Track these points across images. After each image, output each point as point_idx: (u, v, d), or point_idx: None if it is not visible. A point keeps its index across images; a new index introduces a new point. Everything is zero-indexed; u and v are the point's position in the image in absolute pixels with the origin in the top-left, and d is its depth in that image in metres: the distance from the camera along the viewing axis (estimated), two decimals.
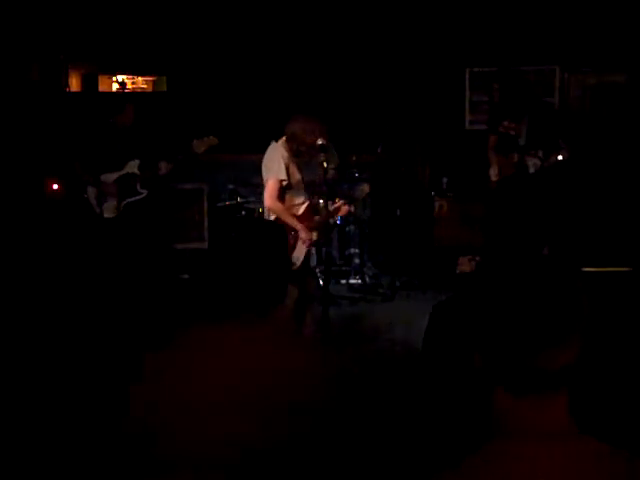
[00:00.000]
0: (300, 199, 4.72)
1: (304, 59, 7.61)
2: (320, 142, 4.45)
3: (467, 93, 7.77)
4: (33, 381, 4.26)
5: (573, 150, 5.74)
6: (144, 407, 1.74)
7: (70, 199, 6.13)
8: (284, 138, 4.62)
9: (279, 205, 4.63)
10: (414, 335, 4.54)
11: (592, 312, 1.17)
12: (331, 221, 5.24)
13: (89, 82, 7.66)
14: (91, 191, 5.80)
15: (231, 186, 7.00)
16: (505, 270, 1.19)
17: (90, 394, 4.00)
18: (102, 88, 7.61)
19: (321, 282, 5.48)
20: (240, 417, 1.68)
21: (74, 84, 7.62)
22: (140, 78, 7.83)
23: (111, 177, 5.80)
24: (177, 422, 1.70)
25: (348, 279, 6.99)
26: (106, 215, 5.79)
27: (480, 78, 7.68)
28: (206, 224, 6.87)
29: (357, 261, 7.04)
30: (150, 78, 7.90)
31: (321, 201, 4.68)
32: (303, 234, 4.63)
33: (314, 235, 4.73)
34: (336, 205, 4.91)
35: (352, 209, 5.81)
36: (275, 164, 4.59)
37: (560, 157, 5.58)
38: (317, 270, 5.59)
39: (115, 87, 7.63)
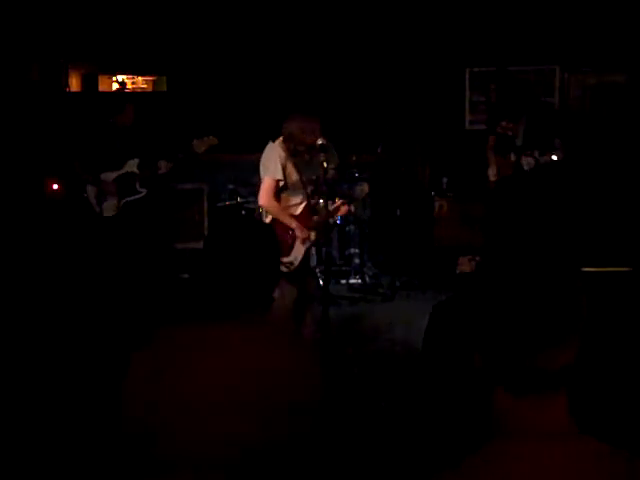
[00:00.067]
0: (298, 199, 4.72)
1: (304, 59, 7.61)
2: (320, 142, 4.44)
3: (467, 93, 7.77)
4: (32, 379, 4.26)
5: (571, 149, 5.74)
6: (144, 407, 1.74)
7: (70, 199, 6.13)
8: (281, 138, 4.62)
9: (274, 204, 4.64)
10: (414, 335, 4.54)
11: (592, 312, 1.17)
12: (331, 221, 5.24)
13: (89, 82, 7.66)
14: (90, 190, 5.80)
15: (231, 186, 7.00)
16: (505, 270, 1.19)
17: (89, 393, 4.00)
18: (102, 88, 7.62)
19: (321, 282, 5.48)
20: (240, 417, 1.68)
21: (74, 84, 7.62)
22: (140, 78, 7.83)
23: (111, 176, 5.80)
24: (177, 422, 1.70)
25: (348, 279, 6.99)
26: (106, 214, 5.80)
27: (480, 78, 7.68)
28: (206, 224, 6.87)
29: (357, 261, 7.04)
30: (150, 78, 7.90)
31: (321, 201, 4.68)
32: (299, 233, 4.63)
33: (312, 235, 4.73)
34: (335, 205, 4.91)
35: (352, 209, 5.81)
36: (272, 164, 4.59)
37: (554, 157, 5.58)
38: (317, 270, 5.59)
39: (115, 87, 7.63)
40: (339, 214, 5.20)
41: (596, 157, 6.68)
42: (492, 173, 6.15)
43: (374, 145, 6.95)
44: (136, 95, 7.39)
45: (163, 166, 5.80)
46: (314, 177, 4.72)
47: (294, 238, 4.65)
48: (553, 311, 1.13)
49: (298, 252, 4.69)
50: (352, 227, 7.04)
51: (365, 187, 6.15)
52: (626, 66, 7.04)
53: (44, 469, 3.44)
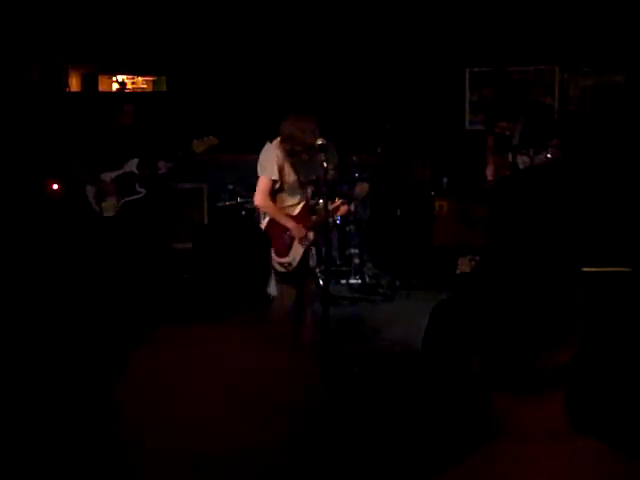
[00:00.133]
0: (295, 199, 4.72)
1: (304, 59, 7.61)
2: (320, 142, 4.44)
3: (467, 93, 7.77)
4: (31, 379, 4.26)
5: (571, 149, 5.74)
6: (144, 407, 1.74)
7: (70, 199, 6.13)
8: (279, 138, 4.62)
9: (270, 204, 4.64)
10: (414, 335, 4.54)
11: (592, 312, 1.17)
12: (331, 221, 5.24)
13: (89, 82, 7.66)
14: (90, 190, 5.80)
15: (231, 186, 7.00)
16: (505, 270, 1.19)
17: (86, 392, 4.00)
18: (102, 88, 7.62)
19: (321, 282, 5.47)
20: (240, 417, 1.68)
21: (74, 84, 7.62)
22: (140, 78, 7.83)
23: (110, 176, 5.80)
24: (177, 422, 1.70)
25: (348, 279, 6.99)
26: (105, 214, 5.80)
27: (480, 78, 7.68)
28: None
29: (357, 261, 7.04)
30: (150, 78, 7.90)
31: (321, 201, 4.68)
32: (295, 233, 4.63)
33: (311, 235, 4.72)
34: (335, 205, 4.91)
35: (352, 209, 5.81)
36: (268, 164, 4.60)
37: (549, 155, 5.59)
38: (317, 270, 5.59)
39: (115, 87, 7.63)
40: (339, 214, 5.20)
41: (596, 157, 6.68)
42: (490, 173, 6.17)
43: (374, 145, 6.95)
44: (136, 95, 7.39)
45: (163, 166, 5.80)
46: (314, 177, 4.72)
47: (292, 238, 4.65)
48: (553, 311, 1.13)
49: (296, 252, 4.69)
50: (352, 227, 7.04)
51: (365, 187, 6.14)
52: (626, 66, 7.04)
53: (41, 469, 3.44)
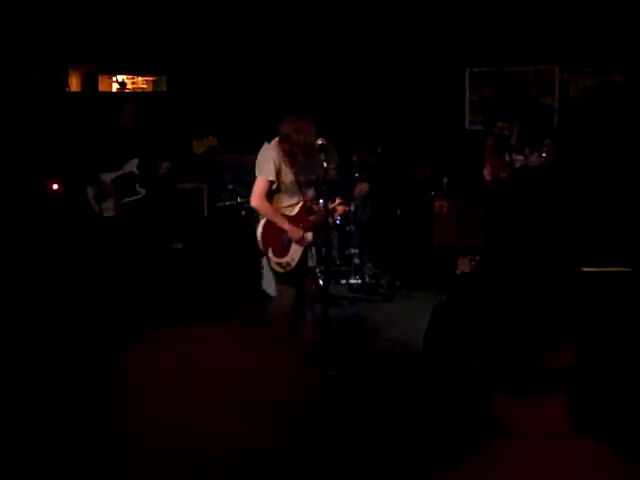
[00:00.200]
0: (294, 200, 4.72)
1: (304, 59, 7.62)
2: (320, 142, 4.44)
3: (467, 93, 7.78)
4: (30, 378, 4.26)
5: (570, 149, 5.74)
6: (144, 407, 1.74)
7: (70, 199, 6.13)
8: (277, 139, 4.62)
9: (266, 205, 4.64)
10: (414, 335, 4.54)
11: (592, 312, 1.17)
12: (331, 221, 5.24)
13: (89, 82, 7.66)
14: (90, 190, 5.80)
15: (231, 186, 7.00)
16: (505, 270, 1.19)
17: (88, 392, 4.00)
18: (102, 88, 7.62)
19: (321, 282, 5.48)
20: (240, 417, 1.68)
21: (74, 84, 7.62)
22: (140, 78, 7.83)
23: (110, 176, 5.80)
24: (177, 422, 1.70)
25: (348, 279, 6.99)
26: (105, 214, 5.80)
27: (480, 78, 7.68)
28: None
29: (357, 261, 7.04)
30: (150, 78, 7.90)
31: (321, 201, 4.68)
32: (292, 234, 4.63)
33: (309, 235, 4.72)
34: (333, 205, 4.92)
35: (351, 208, 5.80)
36: (265, 165, 4.60)
37: (544, 154, 5.59)
38: (317, 270, 5.59)
39: (115, 87, 7.63)
40: (337, 214, 5.20)
41: (596, 157, 6.68)
42: (487, 173, 6.18)
43: (374, 145, 6.95)
44: (136, 95, 7.39)
45: (163, 166, 5.81)
46: (313, 177, 4.72)
47: (290, 239, 4.65)
48: (553, 311, 1.13)
49: (295, 253, 4.69)
50: (352, 227, 7.04)
51: (365, 187, 6.15)
52: (626, 66, 7.04)
53: (41, 469, 3.44)
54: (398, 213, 7.34)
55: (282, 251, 4.66)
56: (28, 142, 6.66)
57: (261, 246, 4.58)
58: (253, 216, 6.36)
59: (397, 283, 6.81)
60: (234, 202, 6.90)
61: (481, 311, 1.18)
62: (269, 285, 4.69)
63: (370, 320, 6.02)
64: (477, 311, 1.19)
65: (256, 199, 4.66)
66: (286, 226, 4.62)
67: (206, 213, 6.94)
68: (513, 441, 1.14)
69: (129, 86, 7.63)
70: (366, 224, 7.23)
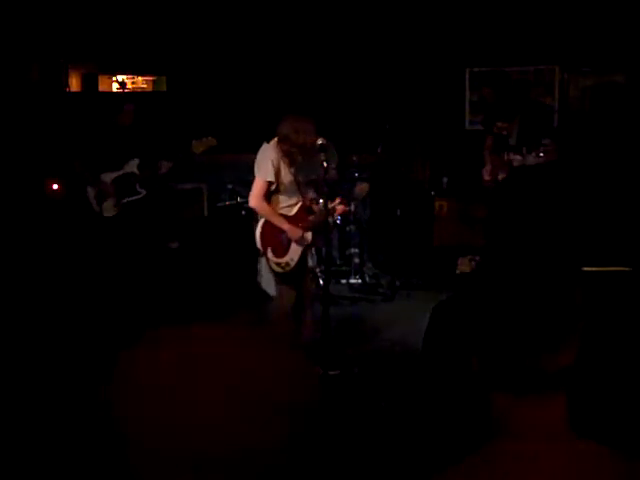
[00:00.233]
0: (293, 200, 4.72)
1: (304, 59, 7.61)
2: (320, 142, 4.44)
3: (467, 93, 7.78)
4: (34, 381, 4.26)
5: (569, 149, 5.74)
6: (144, 407, 1.74)
7: (70, 199, 6.13)
8: (276, 139, 4.62)
9: (264, 205, 4.64)
10: (414, 335, 4.54)
11: (592, 312, 1.17)
12: (331, 221, 5.24)
13: (89, 82, 7.66)
14: (90, 190, 5.80)
15: (231, 186, 7.00)
16: (505, 270, 1.19)
17: (88, 392, 4.00)
18: (102, 88, 7.62)
19: (321, 282, 5.48)
20: (240, 417, 1.68)
21: (74, 84, 7.62)
22: (140, 78, 7.83)
23: (110, 176, 5.81)
24: (177, 422, 1.70)
25: (348, 279, 6.99)
26: (105, 214, 5.80)
27: (480, 78, 7.68)
28: None
29: (357, 261, 7.04)
30: (150, 78, 7.90)
31: (321, 201, 4.68)
32: (291, 235, 4.63)
33: (308, 235, 4.72)
34: (333, 204, 4.92)
35: (351, 208, 5.80)
36: (264, 165, 4.60)
37: (541, 154, 5.60)
38: (317, 270, 5.59)
39: (115, 87, 7.63)
40: (337, 214, 5.20)
41: (596, 157, 6.68)
42: (486, 172, 6.18)
43: (374, 145, 6.95)
44: (136, 95, 7.39)
45: (163, 166, 5.81)
46: (313, 177, 4.72)
47: (289, 239, 4.65)
48: (553, 311, 1.13)
49: (294, 253, 4.69)
50: (352, 227, 7.04)
51: (365, 187, 6.14)
52: (626, 66, 7.04)
53: (41, 469, 3.44)
54: (398, 213, 7.34)
55: (281, 251, 4.66)
56: (28, 142, 6.66)
57: (260, 246, 4.59)
58: (253, 216, 6.36)
59: (397, 283, 6.81)
60: (234, 202, 6.91)
61: (481, 311, 1.18)
62: (269, 285, 4.69)
63: (370, 320, 6.02)
64: (477, 311, 1.19)
65: (254, 200, 4.67)
66: (285, 226, 4.62)
67: (206, 213, 6.94)
68: (513, 441, 1.14)
69: (129, 86, 7.63)
70: (366, 224, 7.23)
